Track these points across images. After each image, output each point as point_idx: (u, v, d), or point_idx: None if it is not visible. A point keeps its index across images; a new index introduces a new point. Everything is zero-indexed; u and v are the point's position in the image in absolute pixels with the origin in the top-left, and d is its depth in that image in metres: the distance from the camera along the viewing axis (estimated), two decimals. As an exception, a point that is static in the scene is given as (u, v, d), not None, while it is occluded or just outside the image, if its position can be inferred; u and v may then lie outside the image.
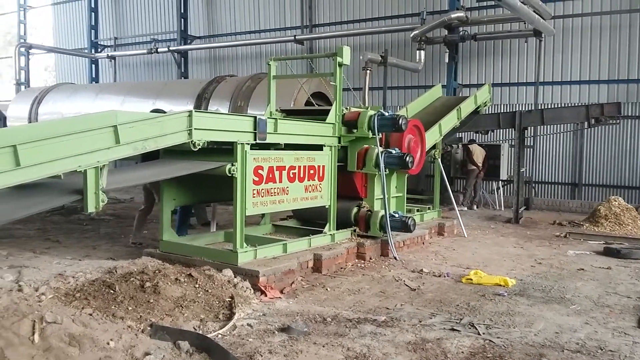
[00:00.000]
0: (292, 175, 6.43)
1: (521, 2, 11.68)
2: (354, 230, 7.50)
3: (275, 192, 6.19)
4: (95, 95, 15.58)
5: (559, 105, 13.91)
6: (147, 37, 21.05)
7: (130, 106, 13.56)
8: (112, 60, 21.27)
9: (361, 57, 13.50)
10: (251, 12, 19.14)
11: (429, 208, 9.86)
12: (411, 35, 14.45)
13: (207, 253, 5.95)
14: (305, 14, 17.83)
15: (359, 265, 6.94)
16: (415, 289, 5.91)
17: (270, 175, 6.11)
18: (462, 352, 4.11)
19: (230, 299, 4.94)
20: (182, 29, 19.75)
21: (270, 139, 6.12)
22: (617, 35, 13.54)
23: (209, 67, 20.02)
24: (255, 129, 5.86)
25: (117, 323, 4.13)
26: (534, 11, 12.55)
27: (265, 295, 5.32)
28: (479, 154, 13.29)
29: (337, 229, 7.28)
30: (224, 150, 5.89)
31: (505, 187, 14.22)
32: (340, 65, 7.17)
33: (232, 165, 5.63)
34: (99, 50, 22.02)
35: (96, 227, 8.95)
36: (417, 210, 9.49)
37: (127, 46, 22.08)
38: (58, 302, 4.29)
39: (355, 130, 7.33)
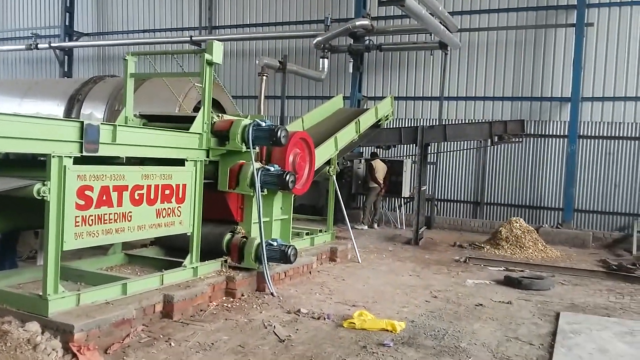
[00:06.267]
0: (137, 197, 5.12)
1: (427, 12, 11.06)
2: (225, 261, 6.31)
3: (110, 219, 4.84)
4: (-50, 92, 13.42)
5: (463, 121, 13.46)
6: (27, 32, 18.88)
7: (-11, 106, 11.64)
8: (-14, 56, 18.92)
9: (257, 62, 12.40)
10: (146, 10, 17.56)
11: (321, 230, 8.83)
12: (314, 42, 13.55)
13: (9, 298, 4.51)
14: (205, 15, 16.50)
15: (225, 305, 5.74)
16: (284, 340, 4.81)
17: (104, 198, 4.76)
18: None
19: (17, 372, 3.61)
20: (67, 23, 17.85)
21: (106, 151, 4.81)
22: (522, 51, 13.29)
23: (97, 67, 18.17)
24: (82, 138, 4.56)
25: None
26: (440, 22, 12.02)
27: (76, 361, 4.00)
28: (381, 170, 12.53)
29: (208, 259, 6.09)
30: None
31: (408, 204, 13.57)
32: (210, 64, 6.02)
33: (44, 184, 4.28)
34: (-28, 43, 19.54)
35: None
36: (307, 234, 8.43)
37: (5, 40, 19.72)
38: None
39: (227, 143, 6.20)
